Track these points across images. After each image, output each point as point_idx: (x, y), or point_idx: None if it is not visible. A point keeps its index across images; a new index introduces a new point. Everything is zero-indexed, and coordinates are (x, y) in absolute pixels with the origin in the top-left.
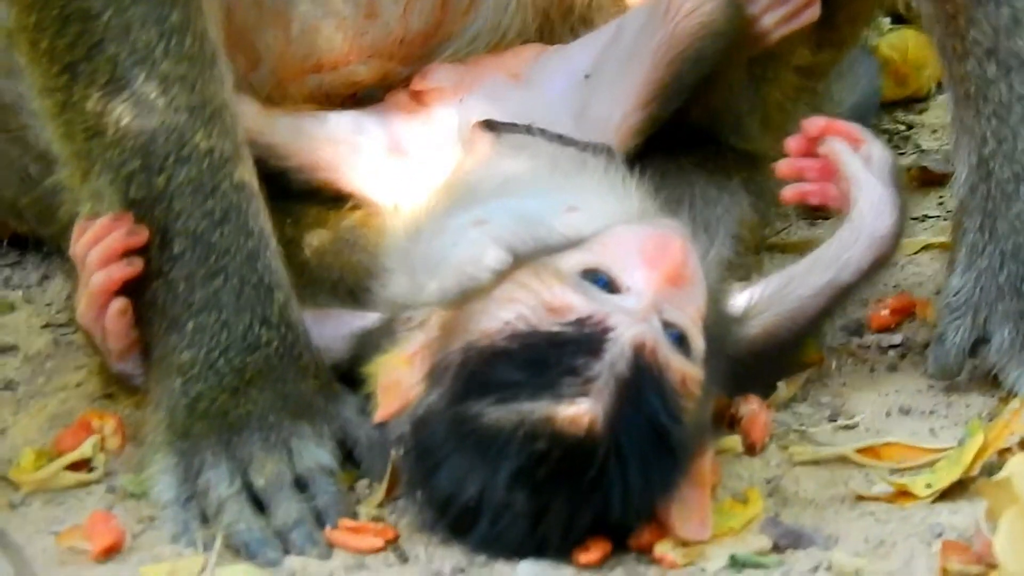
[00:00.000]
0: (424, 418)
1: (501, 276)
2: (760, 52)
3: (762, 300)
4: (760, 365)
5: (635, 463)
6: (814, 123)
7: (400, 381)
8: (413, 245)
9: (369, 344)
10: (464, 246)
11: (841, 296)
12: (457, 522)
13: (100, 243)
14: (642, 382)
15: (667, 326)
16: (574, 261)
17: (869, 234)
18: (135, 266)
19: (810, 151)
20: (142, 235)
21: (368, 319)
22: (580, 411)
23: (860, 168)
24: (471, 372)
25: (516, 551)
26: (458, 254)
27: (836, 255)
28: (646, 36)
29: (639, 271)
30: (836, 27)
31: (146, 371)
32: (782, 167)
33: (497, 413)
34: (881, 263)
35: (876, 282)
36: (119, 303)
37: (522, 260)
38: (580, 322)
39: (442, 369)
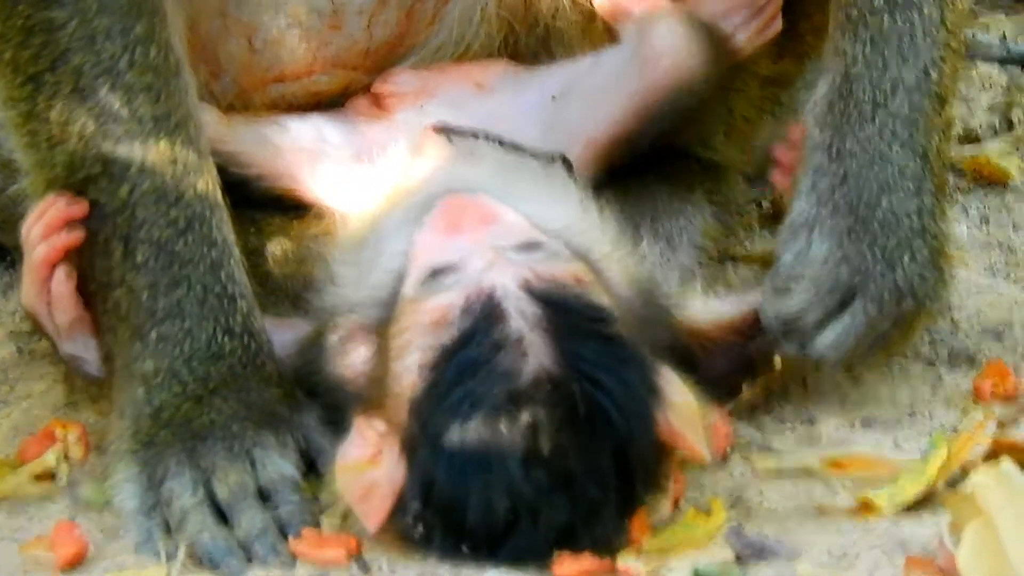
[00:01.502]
0: (426, 484)
1: (383, 347)
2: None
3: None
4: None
5: (604, 374)
6: None
7: (375, 483)
8: (359, 251)
9: (305, 356)
10: (400, 251)
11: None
12: (490, 540)
13: (41, 218)
14: (553, 307)
15: (515, 250)
16: (413, 280)
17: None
18: (76, 234)
19: None
20: (81, 206)
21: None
22: (532, 372)
23: None
24: (430, 426)
25: (558, 540)
26: (392, 260)
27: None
28: (622, 79)
29: (453, 241)
30: (798, 37)
31: (109, 378)
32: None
33: (478, 430)
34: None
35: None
36: (63, 269)
37: (385, 320)
38: (464, 309)
39: (412, 441)
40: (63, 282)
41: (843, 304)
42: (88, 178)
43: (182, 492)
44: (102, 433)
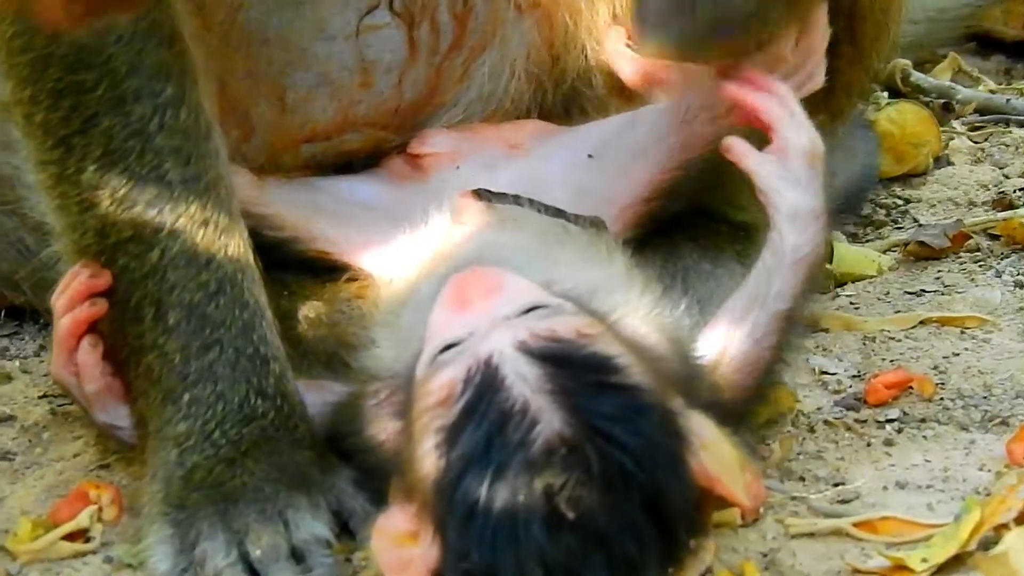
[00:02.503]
0: (461, 559)
1: (406, 432)
2: None
3: (720, 349)
4: (736, 410)
5: (617, 427)
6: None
7: (412, 559)
8: (398, 317)
9: (342, 418)
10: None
11: (787, 324)
12: None
13: (67, 290)
14: (555, 365)
15: (517, 315)
16: (424, 359)
17: (792, 255)
18: (99, 306)
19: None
20: (105, 277)
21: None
22: (544, 439)
23: (772, 175)
24: (454, 510)
25: None
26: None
27: (766, 288)
28: (660, 134)
29: (461, 317)
30: (831, 93)
31: (142, 441)
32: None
33: (500, 506)
34: (813, 278)
35: (814, 300)
36: (88, 339)
37: (406, 404)
38: (468, 380)
39: (441, 522)
40: (89, 352)
41: None
42: (119, 241)
43: (215, 554)
44: (135, 494)
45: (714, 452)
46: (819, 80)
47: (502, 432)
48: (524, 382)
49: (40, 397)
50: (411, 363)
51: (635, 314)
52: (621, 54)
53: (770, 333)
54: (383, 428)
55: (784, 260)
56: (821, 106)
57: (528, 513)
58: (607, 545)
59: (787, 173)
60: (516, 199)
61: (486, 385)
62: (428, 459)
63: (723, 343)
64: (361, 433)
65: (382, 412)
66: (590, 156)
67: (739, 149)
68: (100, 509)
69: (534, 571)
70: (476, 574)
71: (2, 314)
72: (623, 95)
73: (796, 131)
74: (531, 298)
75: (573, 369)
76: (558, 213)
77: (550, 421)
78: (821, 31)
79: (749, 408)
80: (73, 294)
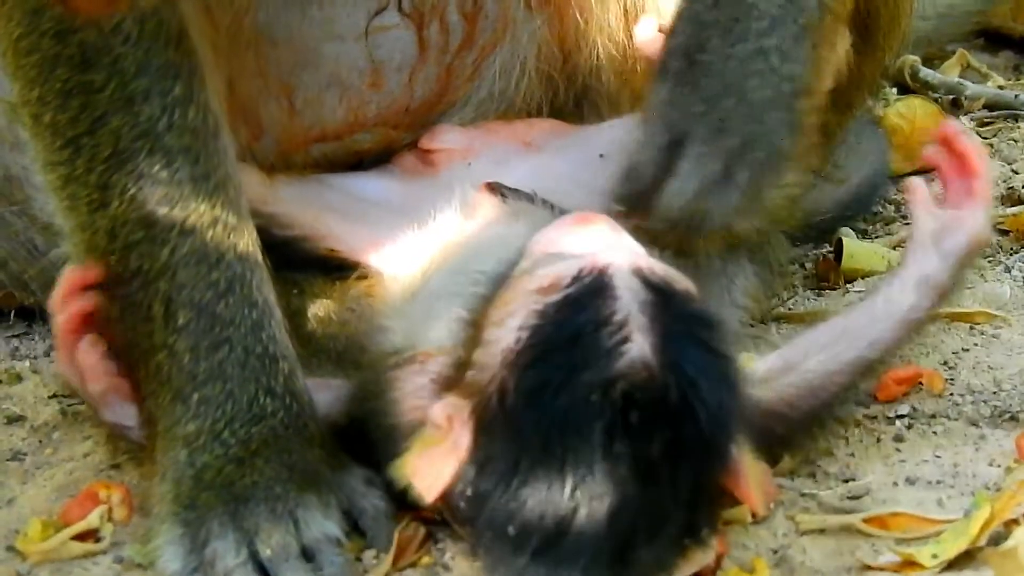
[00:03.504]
0: (489, 455)
1: (477, 322)
2: None
3: (781, 365)
4: (775, 431)
5: (700, 375)
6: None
7: (438, 456)
8: (409, 306)
9: (360, 402)
10: (455, 311)
11: (865, 372)
12: (557, 536)
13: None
14: (664, 299)
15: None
16: (527, 263)
17: (903, 314)
18: (91, 299)
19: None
20: (96, 271)
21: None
22: (632, 356)
23: (927, 232)
24: (518, 385)
25: (626, 541)
26: (450, 318)
27: (864, 330)
28: None
29: (579, 237)
30: (843, 87)
31: (152, 441)
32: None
33: (562, 400)
34: (908, 341)
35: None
36: (88, 338)
37: (486, 301)
38: (578, 278)
39: (485, 407)
40: (89, 352)
41: (676, 142)
42: (128, 241)
43: (225, 553)
44: (145, 494)
45: (746, 453)
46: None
47: (595, 333)
48: (633, 298)
49: (50, 397)
50: (499, 268)
51: None
52: (655, 43)
53: (846, 373)
54: (405, 392)
55: (895, 314)
56: (833, 99)
57: (591, 414)
58: (648, 481)
59: (947, 241)
60: (530, 196)
61: (596, 286)
62: (502, 340)
63: (791, 361)
64: (382, 399)
65: (405, 376)
66: (601, 156)
67: (919, 194)
68: (110, 509)
69: (568, 473)
70: (500, 467)
71: (12, 315)
72: (635, 92)
73: (984, 215)
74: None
75: (680, 314)
76: (564, 213)
77: (644, 342)
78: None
79: (786, 436)
80: (64, 291)
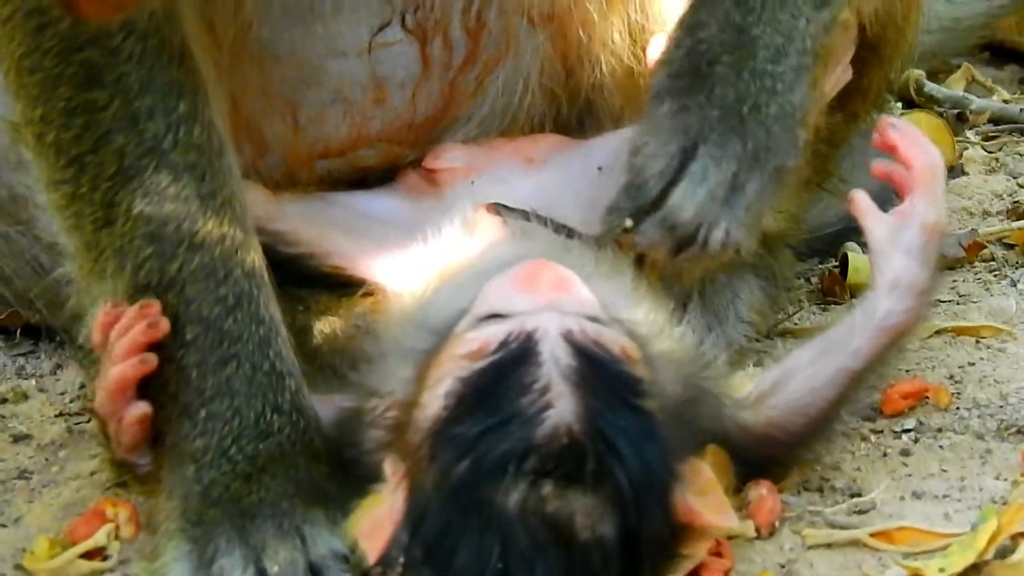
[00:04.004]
0: (419, 520)
1: (419, 378)
2: None
3: (768, 387)
4: (771, 453)
5: (623, 438)
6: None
7: (380, 518)
8: (405, 332)
9: (344, 432)
10: (402, 360)
11: (853, 384)
12: None
13: (127, 334)
14: (588, 363)
15: (577, 315)
16: (467, 321)
17: (883, 320)
18: (149, 363)
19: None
20: (163, 326)
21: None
22: (556, 420)
23: (881, 239)
24: (441, 456)
25: None
26: (439, 326)
27: (845, 342)
28: None
29: (521, 296)
30: (848, 95)
31: (158, 458)
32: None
33: (484, 471)
34: (895, 350)
35: (891, 367)
36: (139, 410)
37: (428, 355)
38: (503, 344)
39: (418, 476)
40: (135, 422)
41: (684, 153)
42: (136, 258)
43: (232, 569)
44: (152, 512)
45: (700, 488)
46: (849, 74)
47: (516, 399)
48: (556, 365)
49: (56, 415)
50: (422, 348)
51: (651, 335)
52: None
53: (831, 386)
54: (378, 438)
55: (872, 322)
56: (838, 108)
57: (509, 483)
58: (572, 547)
59: (902, 239)
60: (530, 215)
61: (519, 353)
62: (433, 404)
63: (778, 382)
64: (358, 443)
65: (380, 422)
66: (600, 169)
67: (862, 205)
68: (117, 527)
69: (492, 548)
70: (429, 533)
71: (18, 333)
72: (639, 107)
73: (929, 201)
74: (592, 309)
75: (603, 376)
76: (564, 230)
77: (564, 409)
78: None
79: (784, 456)
80: (131, 344)
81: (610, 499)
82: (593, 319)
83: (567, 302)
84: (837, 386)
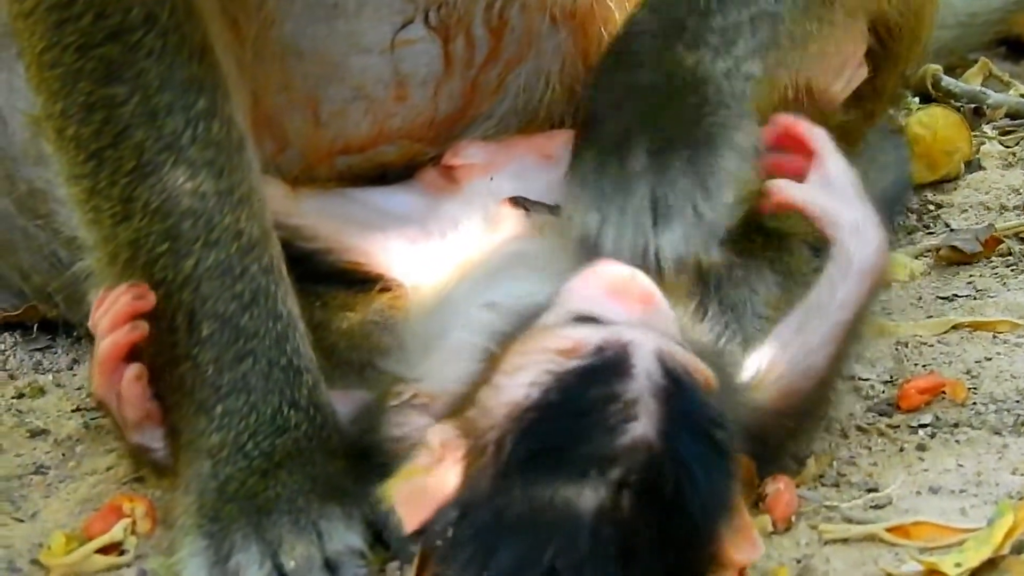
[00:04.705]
0: (473, 503)
1: (493, 360)
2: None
3: (765, 365)
4: (784, 431)
5: (699, 468)
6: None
7: (423, 489)
8: (427, 323)
9: (365, 422)
10: (468, 328)
11: (847, 336)
12: None
13: (111, 309)
14: (678, 387)
15: (666, 336)
16: (556, 314)
17: (858, 265)
18: (140, 329)
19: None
20: (149, 299)
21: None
22: (636, 435)
23: (820, 199)
24: (516, 443)
25: None
26: (461, 336)
27: (829, 297)
28: None
29: (614, 303)
30: (862, 95)
31: (175, 453)
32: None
33: (559, 469)
34: (877, 288)
35: (875, 311)
36: (134, 369)
37: (507, 338)
38: (600, 349)
39: (478, 454)
40: (133, 383)
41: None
42: (152, 254)
43: (249, 565)
44: (169, 507)
45: (738, 527)
46: (864, 70)
47: (604, 408)
48: (647, 380)
49: (73, 411)
50: (526, 307)
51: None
52: None
53: (828, 343)
54: (400, 427)
55: (850, 270)
56: (853, 108)
57: (588, 486)
58: (629, 562)
59: (835, 191)
60: (548, 208)
61: (614, 362)
62: (509, 390)
63: (776, 354)
64: (378, 433)
65: (403, 412)
66: None
67: (780, 185)
68: (134, 522)
69: (549, 537)
70: (482, 517)
71: (35, 328)
72: None
73: (834, 157)
74: (676, 331)
75: (688, 403)
76: None
77: (648, 425)
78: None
79: (799, 424)
80: (116, 315)
81: (677, 524)
82: (680, 343)
83: (656, 320)
84: (834, 342)
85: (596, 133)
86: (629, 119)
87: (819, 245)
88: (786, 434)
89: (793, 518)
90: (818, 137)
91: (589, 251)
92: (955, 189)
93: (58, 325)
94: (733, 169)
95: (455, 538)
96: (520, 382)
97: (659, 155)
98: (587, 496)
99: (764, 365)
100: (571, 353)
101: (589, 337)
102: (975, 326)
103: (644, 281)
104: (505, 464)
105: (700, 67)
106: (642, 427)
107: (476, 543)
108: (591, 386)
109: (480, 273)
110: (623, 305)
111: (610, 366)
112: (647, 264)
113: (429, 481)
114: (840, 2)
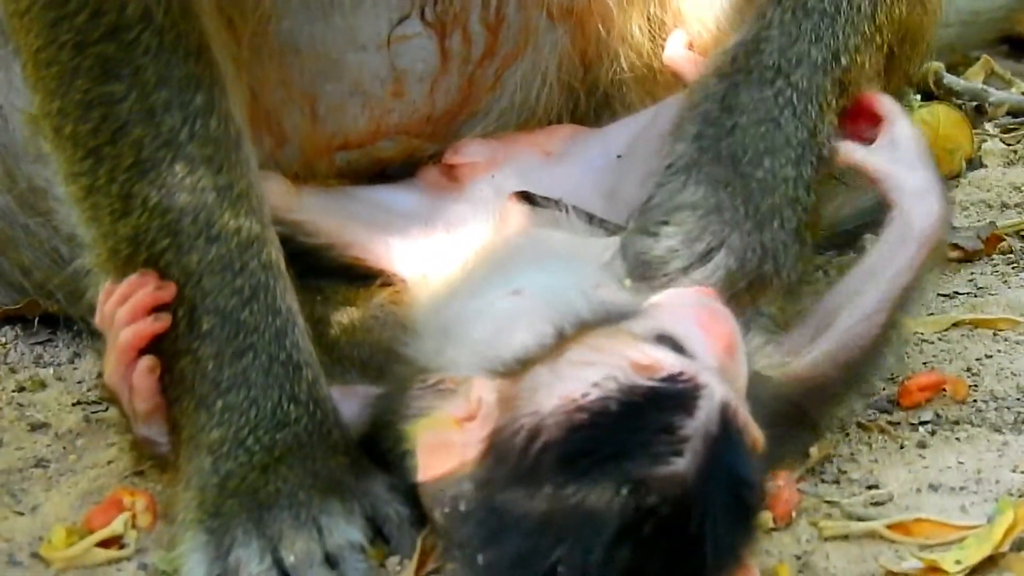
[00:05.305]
0: (492, 480)
1: (562, 343)
2: None
3: (813, 328)
4: (823, 392)
5: (724, 521)
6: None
7: (449, 443)
8: (441, 313)
9: (383, 411)
10: (494, 316)
11: (902, 301)
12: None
13: (128, 300)
14: (729, 442)
15: (735, 392)
16: (644, 326)
17: (919, 230)
18: (162, 321)
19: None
20: (169, 290)
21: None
22: (678, 469)
23: (886, 162)
24: (558, 437)
25: None
26: (487, 324)
27: (887, 263)
28: None
29: (701, 339)
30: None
31: (175, 448)
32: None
33: (592, 476)
34: (934, 259)
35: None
36: (147, 361)
37: (587, 326)
38: (673, 378)
39: (512, 433)
40: (145, 375)
41: (706, 255)
42: (152, 250)
43: (249, 560)
44: (169, 501)
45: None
46: None
47: (657, 433)
48: (705, 425)
49: (74, 404)
50: (615, 307)
51: None
52: (683, 57)
53: (882, 310)
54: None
55: (911, 235)
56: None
57: (604, 506)
58: (679, 558)
59: (901, 156)
60: (559, 204)
61: (682, 395)
62: (569, 382)
63: (824, 320)
64: (400, 421)
65: (429, 398)
66: (619, 156)
67: (848, 147)
68: (134, 516)
69: (549, 551)
70: (495, 503)
71: (36, 322)
72: (655, 97)
73: (902, 123)
74: (744, 384)
75: (734, 460)
76: (591, 219)
77: (691, 465)
78: None
79: (842, 391)
80: (137, 305)
81: (689, 563)
82: (744, 402)
83: (732, 371)
84: (889, 307)
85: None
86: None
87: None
88: (829, 401)
89: (793, 514)
90: (887, 103)
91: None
92: (956, 187)
93: (59, 319)
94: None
95: (463, 512)
96: (583, 377)
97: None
98: (614, 511)
99: (809, 329)
100: (646, 370)
101: (670, 363)
102: (976, 323)
103: (733, 326)
104: (538, 454)
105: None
106: (685, 464)
107: (482, 525)
108: (653, 409)
109: (498, 262)
110: (708, 341)
111: (678, 397)
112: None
113: (455, 437)
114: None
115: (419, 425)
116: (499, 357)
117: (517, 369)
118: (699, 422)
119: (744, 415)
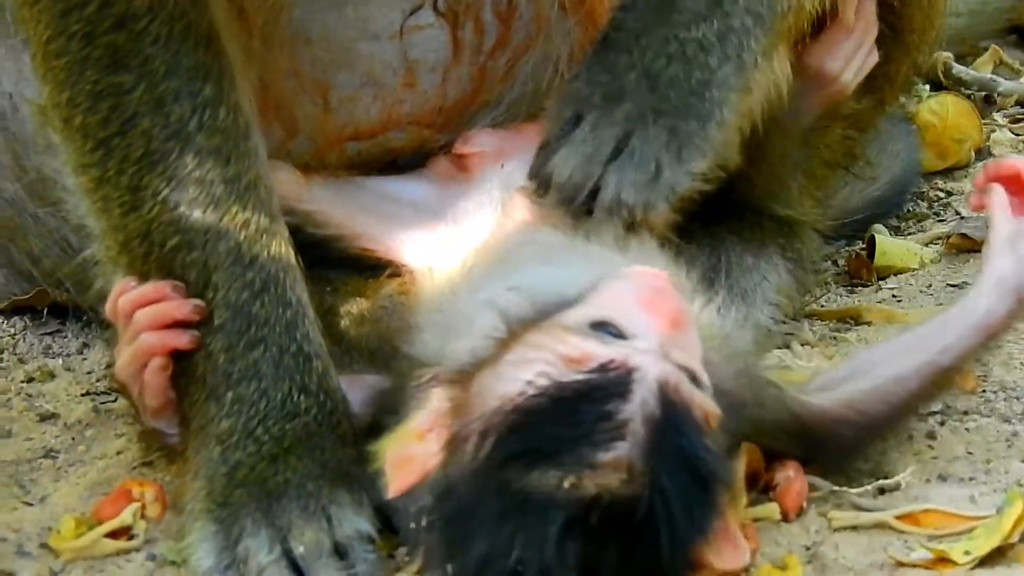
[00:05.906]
0: (449, 489)
1: (505, 342)
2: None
3: (848, 372)
4: (840, 435)
5: (677, 500)
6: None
7: (412, 456)
8: (444, 307)
9: (385, 405)
10: (492, 312)
11: (938, 379)
12: None
13: (153, 306)
14: (672, 419)
15: (678, 367)
16: (578, 315)
17: (981, 319)
18: (192, 340)
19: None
20: (200, 310)
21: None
22: (619, 455)
23: (1004, 236)
24: (500, 438)
25: None
26: (485, 319)
27: (937, 337)
28: None
29: (641, 317)
30: (875, 81)
31: (185, 439)
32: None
33: (536, 473)
34: (985, 349)
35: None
36: (160, 360)
37: (524, 324)
38: (603, 367)
39: (463, 439)
40: (157, 373)
41: (573, 126)
42: (162, 241)
43: (259, 550)
44: (178, 492)
45: (722, 537)
46: (875, 56)
47: (594, 421)
48: (642, 408)
49: (83, 395)
50: (551, 295)
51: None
52: None
53: (916, 378)
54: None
55: (970, 319)
56: (865, 93)
57: (553, 499)
58: (585, 571)
59: (1019, 242)
60: None
61: (613, 383)
62: (508, 383)
63: (860, 369)
64: (400, 415)
65: (423, 395)
66: None
67: (997, 199)
68: (143, 506)
69: (508, 549)
70: (453, 509)
71: (45, 312)
72: None
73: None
74: (694, 361)
75: (680, 438)
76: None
77: (633, 449)
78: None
79: (852, 439)
80: (165, 315)
81: (644, 548)
82: (691, 376)
83: (676, 345)
84: (922, 379)
85: (587, 95)
86: (622, 88)
87: (830, 232)
88: (833, 442)
89: (803, 506)
90: None
91: (542, 177)
92: (965, 177)
93: (68, 309)
94: (712, 143)
95: (426, 524)
96: (520, 377)
97: (643, 115)
98: (558, 504)
99: (844, 373)
100: (576, 363)
101: (597, 353)
102: None
103: (678, 300)
104: (486, 457)
105: (699, 43)
106: (626, 449)
107: (445, 534)
108: (585, 401)
109: (501, 257)
110: (649, 318)
111: (611, 385)
112: (582, 194)
113: (418, 450)
114: None
115: (385, 441)
116: (455, 363)
117: (470, 373)
118: (635, 404)
119: (688, 390)
